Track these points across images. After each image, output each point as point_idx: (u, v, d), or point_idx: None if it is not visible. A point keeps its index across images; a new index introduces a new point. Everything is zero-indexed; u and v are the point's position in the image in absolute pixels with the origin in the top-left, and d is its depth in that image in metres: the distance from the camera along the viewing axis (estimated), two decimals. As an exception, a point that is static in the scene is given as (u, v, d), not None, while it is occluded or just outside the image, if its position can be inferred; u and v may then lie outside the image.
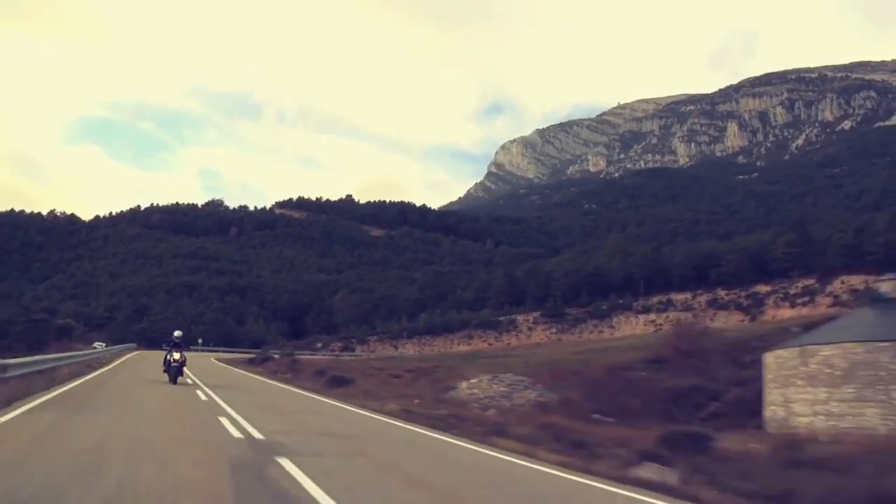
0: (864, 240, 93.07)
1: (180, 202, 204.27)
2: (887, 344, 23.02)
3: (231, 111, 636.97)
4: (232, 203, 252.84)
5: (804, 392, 24.40)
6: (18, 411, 9.93)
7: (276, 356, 52.15)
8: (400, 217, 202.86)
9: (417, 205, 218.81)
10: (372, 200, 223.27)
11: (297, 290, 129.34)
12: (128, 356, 44.12)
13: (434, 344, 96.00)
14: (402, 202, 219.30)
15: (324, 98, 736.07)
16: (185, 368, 20.64)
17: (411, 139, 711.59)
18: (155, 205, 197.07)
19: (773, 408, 25.61)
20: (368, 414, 15.48)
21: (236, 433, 9.59)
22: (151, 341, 73.75)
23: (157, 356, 46.63)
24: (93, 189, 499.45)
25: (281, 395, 20.33)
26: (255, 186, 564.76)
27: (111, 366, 29.62)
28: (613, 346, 46.26)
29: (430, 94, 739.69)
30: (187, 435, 9.34)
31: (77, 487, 5.45)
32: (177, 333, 20.88)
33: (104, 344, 58.84)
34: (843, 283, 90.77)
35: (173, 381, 19.30)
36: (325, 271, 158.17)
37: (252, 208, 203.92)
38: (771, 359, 26.32)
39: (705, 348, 35.92)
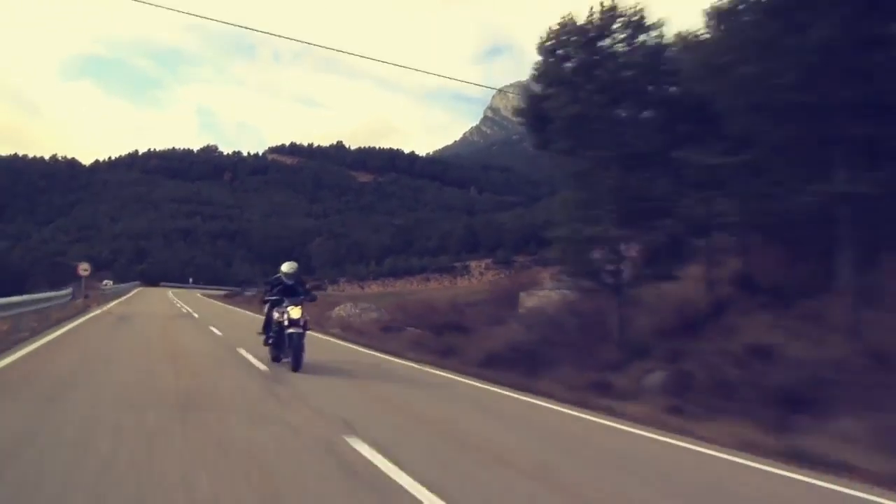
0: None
1: (177, 147, 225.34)
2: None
3: (227, 49, 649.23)
4: (227, 146, 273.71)
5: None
6: (114, 303, 31.42)
7: (248, 293, 73.26)
8: (389, 163, 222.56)
9: (407, 151, 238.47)
10: (362, 146, 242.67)
11: (283, 236, 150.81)
12: (136, 290, 65.93)
13: (395, 285, 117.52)
14: (391, 149, 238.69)
15: (322, 37, 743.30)
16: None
17: (411, 80, 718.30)
18: (152, 150, 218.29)
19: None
20: (253, 315, 36.43)
21: (184, 310, 30.73)
22: (150, 279, 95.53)
23: (155, 291, 68.37)
24: (90, 127, 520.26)
25: (222, 309, 41.36)
26: (251, 126, 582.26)
27: (130, 294, 51.43)
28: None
29: (431, 34, 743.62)
30: (169, 310, 30.46)
31: (144, 313, 26.57)
32: (287, 268, 12.39)
33: (111, 282, 79.21)
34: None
35: (295, 365, 11.22)
36: (312, 216, 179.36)
37: (246, 154, 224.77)
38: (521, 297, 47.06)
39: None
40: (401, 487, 4.77)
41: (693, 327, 15.96)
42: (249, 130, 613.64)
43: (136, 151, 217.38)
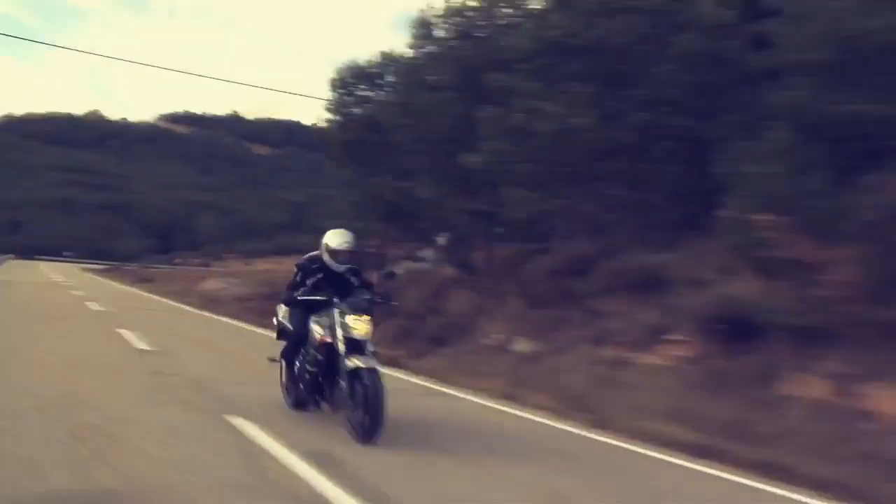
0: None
1: (59, 111, 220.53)
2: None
3: (117, 2, 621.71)
4: (114, 112, 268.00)
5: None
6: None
7: (127, 267, 77.51)
8: (287, 136, 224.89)
9: (307, 123, 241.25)
10: (260, 117, 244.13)
11: (170, 209, 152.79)
12: (8, 262, 69.65)
13: (284, 262, 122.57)
14: (289, 121, 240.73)
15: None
16: None
17: (313, 47, 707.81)
18: (31, 113, 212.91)
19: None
20: (120, 286, 42.34)
21: (54, 279, 36.68)
22: (26, 252, 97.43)
23: (26, 264, 71.90)
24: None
25: (89, 279, 46.84)
26: (142, 91, 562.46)
27: (3, 266, 55.78)
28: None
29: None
30: (41, 279, 36.25)
31: (19, 280, 32.54)
32: (337, 240, 7.07)
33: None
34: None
35: (366, 436, 5.96)
36: (204, 189, 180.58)
37: (135, 120, 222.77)
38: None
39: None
40: (120, 335, 12.21)
41: (436, 297, 23.76)
42: (140, 96, 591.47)
43: (12, 115, 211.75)
